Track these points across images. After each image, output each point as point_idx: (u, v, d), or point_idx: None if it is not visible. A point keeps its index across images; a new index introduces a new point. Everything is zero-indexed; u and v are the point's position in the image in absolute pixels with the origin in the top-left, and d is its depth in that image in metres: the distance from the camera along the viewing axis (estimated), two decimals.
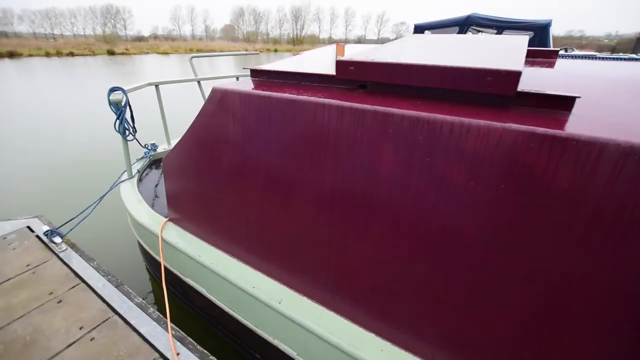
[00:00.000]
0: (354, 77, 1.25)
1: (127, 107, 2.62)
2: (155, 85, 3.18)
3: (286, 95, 1.32)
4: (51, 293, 1.85)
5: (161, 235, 2.01)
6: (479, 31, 6.93)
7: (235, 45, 56.98)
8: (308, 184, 1.36)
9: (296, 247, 1.49)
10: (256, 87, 1.51)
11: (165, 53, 39.74)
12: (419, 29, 7.42)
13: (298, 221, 1.44)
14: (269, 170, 1.46)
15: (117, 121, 2.58)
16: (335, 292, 1.44)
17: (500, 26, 6.57)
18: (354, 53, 1.39)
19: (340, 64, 1.26)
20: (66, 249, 2.21)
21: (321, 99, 1.23)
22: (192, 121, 1.70)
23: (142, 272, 2.97)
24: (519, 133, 0.91)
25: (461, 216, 1.04)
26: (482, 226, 1.01)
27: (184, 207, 1.99)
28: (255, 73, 1.63)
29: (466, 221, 1.04)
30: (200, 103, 3.90)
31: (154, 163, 3.30)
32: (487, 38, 1.76)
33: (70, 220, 2.42)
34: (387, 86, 1.24)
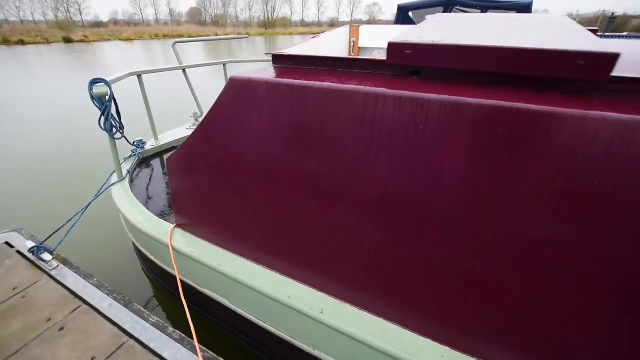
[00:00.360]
0: (411, 62, 1.09)
1: (112, 101, 2.33)
2: (138, 75, 2.86)
3: (327, 84, 1.15)
4: (49, 319, 1.61)
5: (172, 245, 1.81)
6: (462, 11, 6.86)
7: (204, 29, 54.17)
8: (354, 183, 1.21)
9: (338, 252, 1.36)
10: (282, 75, 1.32)
11: (128, 39, 37.16)
12: (403, 10, 7.25)
13: (341, 224, 1.30)
14: (305, 169, 1.30)
15: (102, 117, 2.29)
16: (383, 298, 1.32)
17: (484, 6, 6.54)
18: (400, 34, 1.22)
19: (393, 47, 1.09)
20: (57, 265, 1.95)
21: (372, 88, 1.07)
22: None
23: (141, 282, 2.73)
24: (621, 123, 0.80)
25: (544, 215, 0.94)
26: (571, 225, 0.92)
27: (196, 212, 1.79)
28: (279, 59, 1.42)
29: (550, 220, 0.94)
30: (185, 92, 3.59)
31: (143, 162, 3.01)
32: (533, 17, 1.64)
33: (57, 231, 2.14)
34: (447, 72, 1.10)
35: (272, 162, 1.37)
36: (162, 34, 42.38)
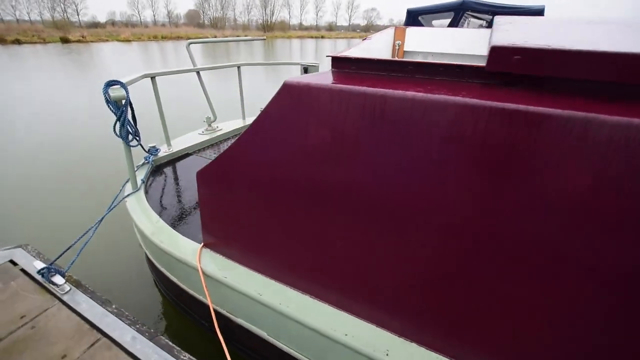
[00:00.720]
0: (519, 70, 0.92)
1: (129, 106, 2.13)
2: (152, 77, 2.67)
3: (411, 93, 0.97)
4: (65, 356, 1.41)
5: (201, 269, 1.61)
6: (474, 16, 6.78)
7: (202, 32, 54.02)
8: (437, 207, 1.03)
9: (408, 285, 1.17)
10: (345, 80, 1.14)
11: (127, 40, 36.86)
12: (413, 14, 7.15)
13: (420, 254, 1.11)
14: (373, 190, 1.12)
15: (118, 123, 2.09)
16: (461, 338, 1.14)
17: (496, 11, 6.45)
18: (496, 38, 1.04)
19: (498, 52, 0.92)
20: (70, 289, 1.74)
21: (470, 100, 0.90)
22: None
23: (158, 303, 2.52)
24: None
25: None
26: None
27: (231, 232, 1.60)
28: (340, 62, 1.24)
29: None
30: (193, 94, 3.39)
31: (157, 170, 2.81)
32: (604, 21, 1.48)
33: (68, 249, 1.93)
34: (555, 82, 0.93)
35: (332, 179, 1.19)
36: (161, 36, 42.17)
